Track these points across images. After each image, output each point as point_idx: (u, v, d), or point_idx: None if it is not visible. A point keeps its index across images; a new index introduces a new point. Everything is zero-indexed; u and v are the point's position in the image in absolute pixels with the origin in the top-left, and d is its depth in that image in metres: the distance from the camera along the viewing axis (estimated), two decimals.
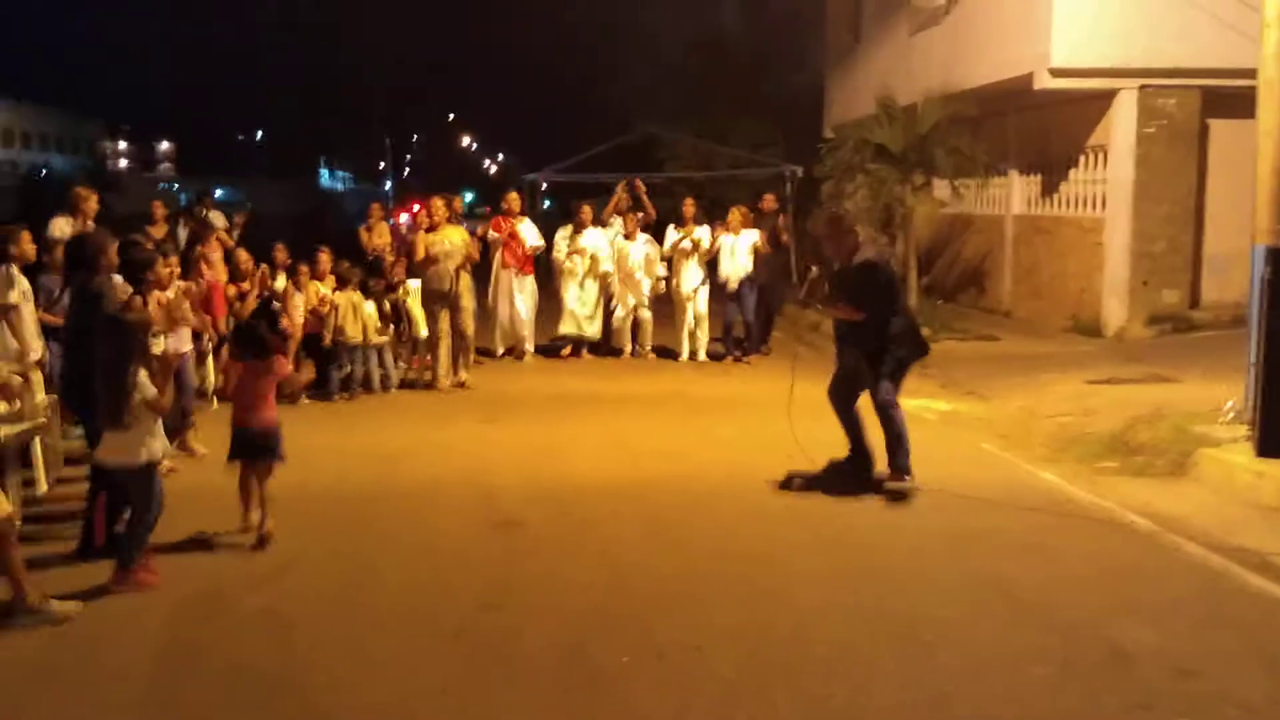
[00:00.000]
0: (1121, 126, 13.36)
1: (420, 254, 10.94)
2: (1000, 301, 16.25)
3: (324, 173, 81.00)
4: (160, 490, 5.48)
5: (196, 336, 9.78)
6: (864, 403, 7.33)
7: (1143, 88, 13.18)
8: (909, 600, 5.19)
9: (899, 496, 6.92)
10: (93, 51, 70.57)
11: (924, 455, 7.27)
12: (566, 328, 12.94)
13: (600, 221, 13.09)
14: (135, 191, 30.01)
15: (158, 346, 6.28)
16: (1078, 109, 13.96)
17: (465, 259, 11.08)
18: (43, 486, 6.96)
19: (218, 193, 13.91)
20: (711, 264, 12.77)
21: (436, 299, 10.96)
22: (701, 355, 12.85)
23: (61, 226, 9.38)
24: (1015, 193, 16.16)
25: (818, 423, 7.67)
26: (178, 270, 8.42)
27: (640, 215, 12.99)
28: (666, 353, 13.07)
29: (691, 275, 12.65)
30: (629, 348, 13.04)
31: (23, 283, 7.05)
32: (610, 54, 47.01)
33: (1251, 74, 8.33)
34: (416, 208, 15.25)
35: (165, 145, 79.32)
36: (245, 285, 10.31)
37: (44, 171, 41.32)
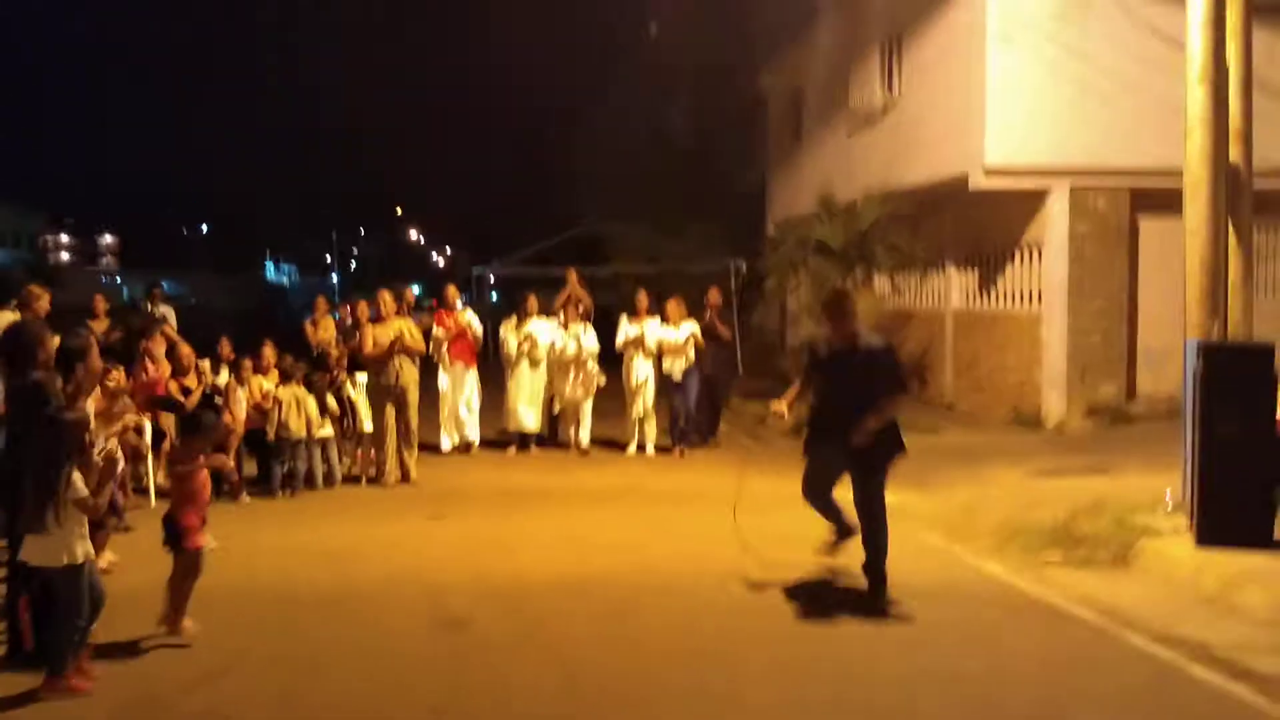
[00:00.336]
0: (1055, 224, 13.76)
1: (368, 347, 10.91)
2: (942, 394, 16.48)
3: (269, 266, 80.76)
4: (98, 590, 5.33)
5: (137, 432, 9.67)
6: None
7: (1074, 187, 13.61)
8: (861, 697, 5.17)
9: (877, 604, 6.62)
10: (37, 144, 70.42)
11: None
12: (512, 421, 12.90)
13: (551, 312, 13.17)
14: (77, 285, 29.72)
15: (98, 447, 6.16)
16: (1012, 206, 14.36)
17: (412, 352, 11.07)
18: None
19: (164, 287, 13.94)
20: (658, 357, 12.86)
21: (383, 392, 10.91)
22: (650, 448, 12.86)
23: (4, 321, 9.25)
24: (954, 287, 16.51)
25: (765, 517, 7.69)
26: (119, 367, 8.32)
27: (580, 307, 13.09)
28: (614, 445, 13.05)
29: (640, 367, 12.73)
30: (575, 441, 13.02)
31: None
32: (561, 150, 47.71)
33: (1178, 174, 8.66)
34: (348, 308, 15.22)
35: (109, 238, 78.79)
36: (187, 380, 10.19)
37: None
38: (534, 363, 12.82)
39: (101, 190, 69.40)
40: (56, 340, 6.30)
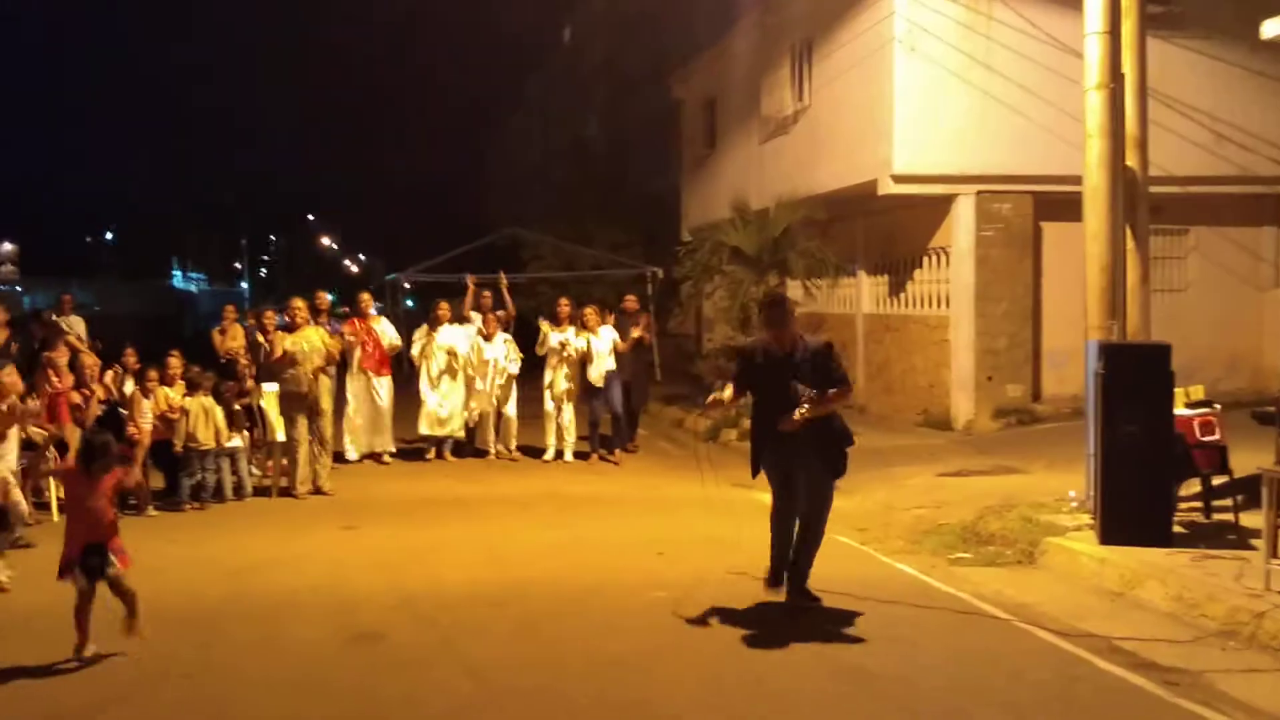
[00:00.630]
0: (961, 229, 14.05)
1: (278, 355, 10.71)
2: (854, 397, 16.72)
3: (177, 274, 78.87)
4: None
5: (35, 445, 9.36)
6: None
7: (979, 192, 13.92)
8: (775, 697, 5.21)
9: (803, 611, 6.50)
10: None
11: None
12: (426, 428, 12.76)
13: (459, 318, 13.06)
14: None
15: None
16: (920, 212, 14.64)
17: (325, 360, 10.90)
18: None
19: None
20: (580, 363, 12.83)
21: (295, 402, 10.71)
22: (569, 455, 12.82)
23: None
24: (865, 292, 16.77)
25: (680, 521, 7.71)
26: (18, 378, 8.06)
27: (501, 314, 13.02)
28: (532, 451, 13.00)
29: (562, 374, 12.69)
30: (493, 448, 12.94)
31: None
32: (475, 157, 47.47)
33: (1078, 180, 8.90)
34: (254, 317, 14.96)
35: (7, 246, 76.13)
36: (89, 391, 9.91)
37: None
38: (451, 372, 12.70)
39: None
40: None
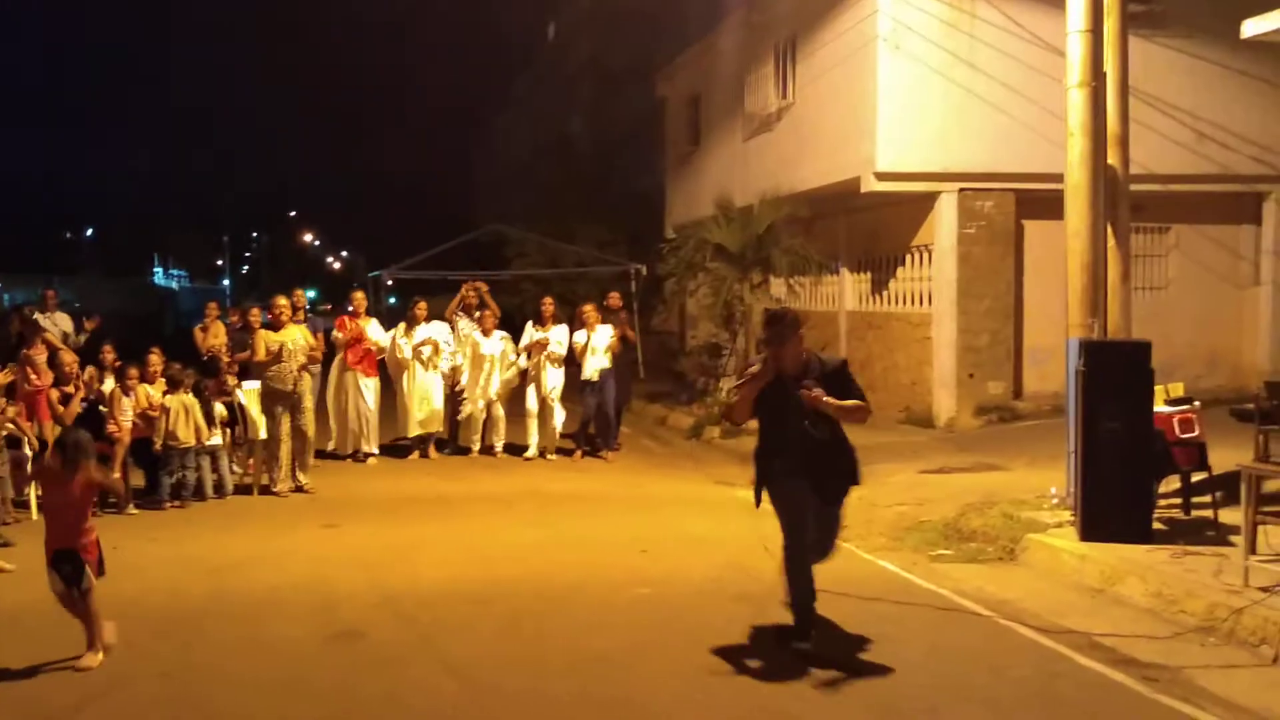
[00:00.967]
0: (944, 227, 14.08)
1: (261, 353, 10.66)
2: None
3: (158, 271, 78.43)
4: None
5: (17, 443, 9.32)
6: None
7: (962, 190, 13.96)
8: (757, 694, 5.22)
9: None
10: None
11: (765, 547, 7.36)
12: (409, 427, 12.72)
13: (442, 318, 13.01)
14: None
15: None
16: (903, 210, 14.67)
17: (308, 358, 10.85)
18: None
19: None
20: (570, 360, 12.81)
21: (278, 399, 10.66)
22: (552, 453, 12.80)
23: None
24: (847, 290, 16.81)
25: (664, 519, 7.71)
26: None
27: (485, 313, 12.97)
28: (514, 449, 12.98)
29: (552, 373, 12.66)
30: (478, 445, 12.90)
31: None
32: (460, 154, 47.36)
33: (1060, 178, 8.93)
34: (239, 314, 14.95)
35: None
36: (69, 388, 9.85)
37: None
38: (434, 368, 12.64)
39: None
40: None
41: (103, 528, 6.50)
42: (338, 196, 73.20)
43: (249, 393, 10.86)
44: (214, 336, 12.87)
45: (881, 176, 13.88)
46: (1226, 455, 7.55)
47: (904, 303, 15.23)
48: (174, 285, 75.43)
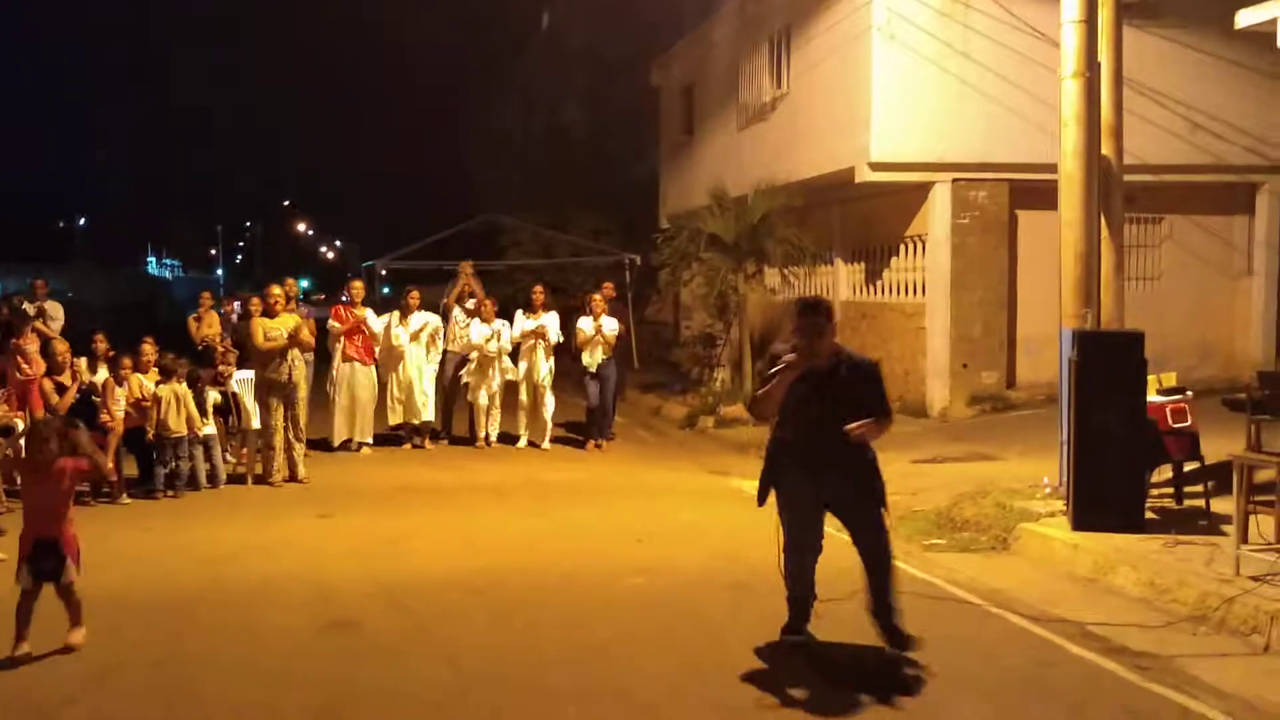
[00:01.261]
0: (938, 217, 14.09)
1: (257, 341, 10.63)
2: None
3: (151, 260, 78.25)
4: None
5: (8, 431, 9.30)
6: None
7: (955, 180, 13.96)
8: (752, 683, 5.23)
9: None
10: None
11: (759, 537, 7.35)
12: (398, 416, 12.70)
13: (436, 308, 13.00)
14: None
15: None
16: (897, 200, 14.67)
17: (302, 347, 10.84)
18: None
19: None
20: (564, 350, 12.80)
21: (273, 389, 10.65)
22: (546, 442, 12.80)
23: None
24: (841, 280, 16.81)
25: (659, 509, 7.71)
26: None
27: (485, 304, 12.94)
28: (507, 438, 12.97)
29: (543, 361, 12.66)
30: (483, 434, 12.87)
31: None
32: (454, 143, 47.25)
33: (1053, 169, 8.94)
34: (234, 303, 15.03)
35: None
36: (63, 378, 9.83)
37: None
38: (429, 356, 12.64)
39: None
40: None
41: (96, 517, 6.55)
42: (332, 186, 73.01)
43: (243, 382, 10.85)
44: (208, 326, 12.85)
45: (876, 166, 13.87)
46: (1219, 445, 7.58)
47: (898, 293, 15.24)
48: (167, 275, 75.28)
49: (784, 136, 16.48)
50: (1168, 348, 12.28)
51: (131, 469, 10.29)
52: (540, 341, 12.62)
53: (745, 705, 4.99)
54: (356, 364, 12.40)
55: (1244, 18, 8.34)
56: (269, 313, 10.86)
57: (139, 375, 10.12)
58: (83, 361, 10.28)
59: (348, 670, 5.51)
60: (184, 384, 10.18)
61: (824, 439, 5.43)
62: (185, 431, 10.08)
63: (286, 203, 79.17)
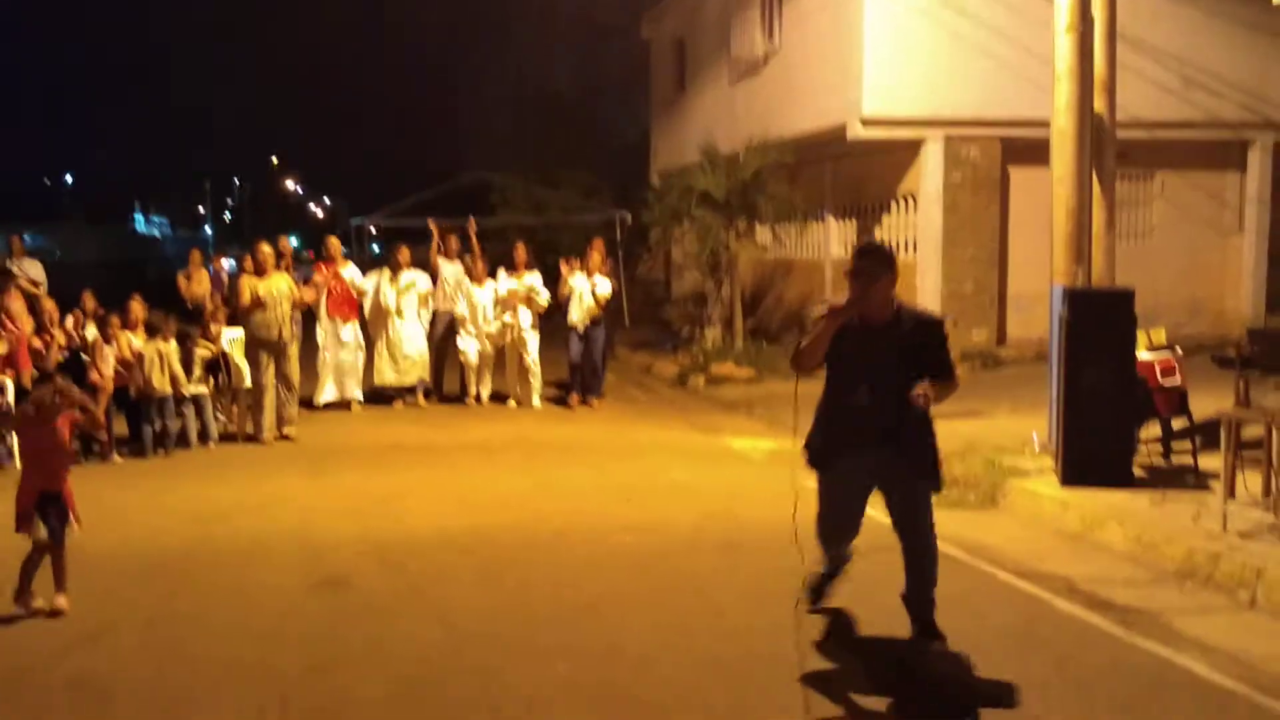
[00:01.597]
0: (929, 174, 14.04)
1: (246, 300, 10.59)
2: None
3: (139, 218, 77.70)
4: None
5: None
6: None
7: (948, 137, 13.90)
8: (741, 639, 5.27)
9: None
10: None
11: (749, 495, 7.42)
12: (385, 375, 12.68)
13: (425, 264, 12.92)
14: None
15: None
16: (889, 158, 14.61)
17: (293, 305, 10.80)
18: None
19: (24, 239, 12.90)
20: (555, 310, 12.72)
21: (263, 347, 10.62)
22: (536, 400, 12.78)
23: None
24: (833, 237, 16.77)
25: (648, 467, 7.71)
26: None
27: (478, 262, 12.86)
28: (499, 396, 12.96)
29: (530, 337, 12.57)
30: (474, 391, 12.84)
31: None
32: (443, 100, 46.84)
33: (1046, 124, 8.89)
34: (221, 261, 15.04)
35: None
36: (50, 336, 9.78)
37: None
38: (412, 317, 12.57)
39: None
40: None
41: (87, 476, 6.54)
42: (321, 142, 72.30)
43: (234, 341, 10.81)
44: (198, 284, 12.80)
45: (868, 122, 13.80)
46: (1207, 402, 7.61)
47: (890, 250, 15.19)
48: (155, 233, 74.81)
49: (776, 91, 16.36)
50: (1158, 304, 12.30)
51: (122, 428, 10.27)
52: (523, 301, 12.49)
53: (735, 661, 5.02)
54: (338, 320, 12.32)
55: None
56: (259, 270, 10.79)
57: (128, 333, 10.06)
58: (71, 320, 10.22)
59: (339, 629, 5.53)
60: (170, 342, 10.11)
61: (881, 401, 4.93)
62: (168, 390, 10.01)
63: (275, 160, 78.50)
